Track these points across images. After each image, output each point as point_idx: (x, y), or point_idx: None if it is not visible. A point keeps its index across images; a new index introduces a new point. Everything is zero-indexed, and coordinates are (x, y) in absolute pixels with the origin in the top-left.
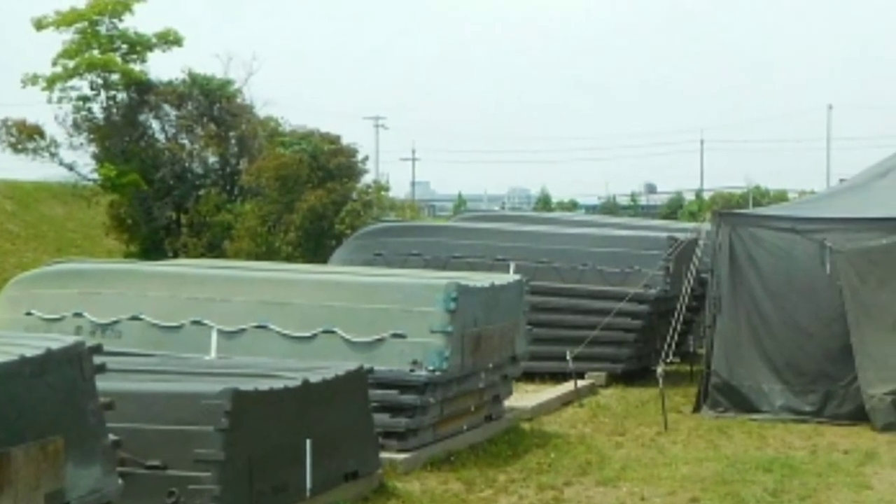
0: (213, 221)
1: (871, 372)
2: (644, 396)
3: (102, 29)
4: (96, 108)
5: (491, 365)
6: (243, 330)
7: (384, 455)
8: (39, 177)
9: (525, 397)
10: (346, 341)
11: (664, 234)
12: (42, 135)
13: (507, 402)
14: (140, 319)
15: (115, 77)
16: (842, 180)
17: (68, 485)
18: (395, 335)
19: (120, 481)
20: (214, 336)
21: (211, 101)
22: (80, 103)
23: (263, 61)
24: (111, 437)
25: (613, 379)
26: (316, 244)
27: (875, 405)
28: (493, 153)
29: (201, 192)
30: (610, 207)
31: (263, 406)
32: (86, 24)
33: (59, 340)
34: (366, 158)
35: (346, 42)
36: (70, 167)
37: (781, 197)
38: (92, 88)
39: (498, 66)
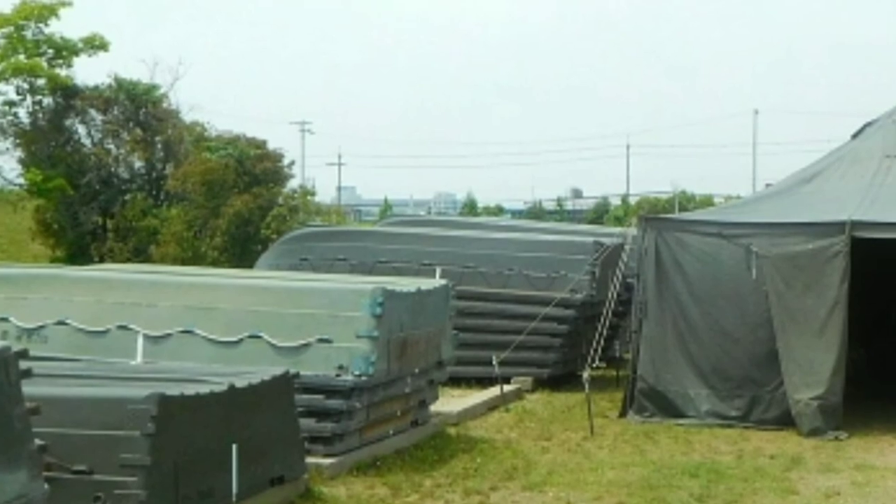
0: (139, 226)
1: (797, 377)
2: (570, 401)
3: (28, 34)
4: (22, 112)
5: (417, 370)
6: (169, 335)
7: (310, 460)
8: None
9: (451, 402)
10: (273, 346)
11: (590, 239)
12: None
13: (434, 407)
14: (66, 324)
15: (41, 82)
16: (768, 185)
17: None
18: (322, 340)
19: (46, 486)
20: (140, 341)
21: (137, 106)
22: (6, 108)
23: (189, 66)
24: (37, 442)
25: (539, 384)
26: (242, 249)
27: (801, 410)
28: (419, 158)
29: (127, 196)
30: (536, 212)
31: (189, 411)
32: (11, 28)
33: None
34: (292, 163)
35: (271, 47)
36: None
37: (707, 202)
38: (18, 93)
39: (423, 70)
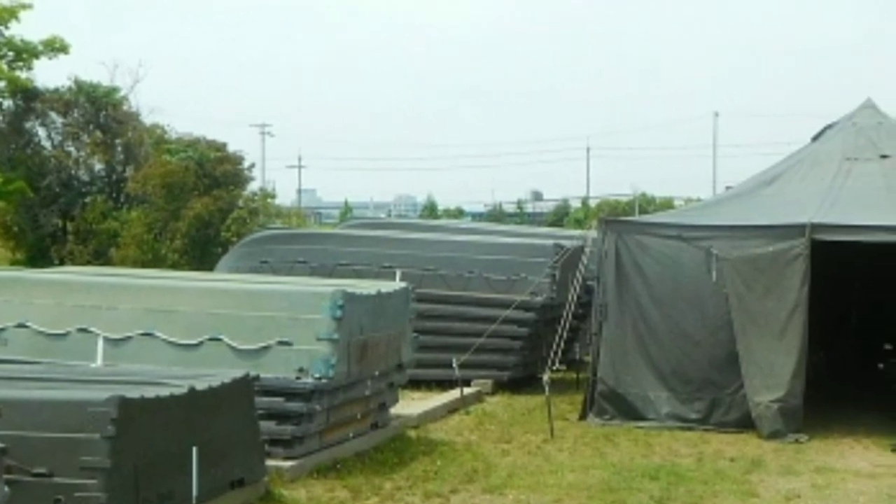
0: (99, 229)
1: (757, 379)
2: (530, 404)
3: None
4: None
5: (377, 372)
6: (129, 337)
7: (270, 462)
8: None
9: (411, 405)
10: (233, 349)
11: (550, 242)
12: None
13: (394, 410)
14: (26, 327)
15: (0, 84)
16: (728, 188)
17: None
18: (282, 343)
19: (6, 489)
20: (100, 344)
21: (97, 109)
22: None
23: (149, 68)
24: None
25: (500, 386)
26: (202, 252)
27: (761, 413)
28: (380, 160)
29: (87, 199)
30: (496, 215)
31: (149, 414)
32: None
33: None
34: (252, 166)
35: (232, 49)
36: None
37: (668, 204)
38: None
39: (384, 73)
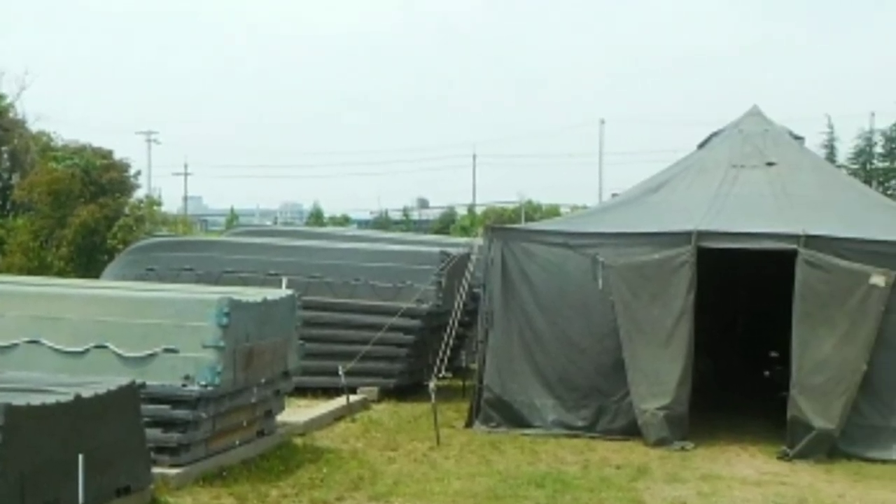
0: None
1: (643, 387)
2: (416, 411)
3: None
4: None
5: (263, 380)
6: (15, 345)
7: (156, 470)
8: None
9: (297, 412)
10: (119, 356)
11: (436, 249)
12: None
13: (280, 418)
14: None
15: None
16: (614, 195)
17: None
18: (168, 350)
19: None
20: None
21: None
22: None
23: (36, 76)
24: None
25: (386, 394)
26: (88, 259)
27: (647, 420)
28: (266, 168)
29: None
30: (382, 222)
31: (36, 421)
32: None
33: None
34: (138, 173)
35: (118, 56)
36: None
37: (554, 212)
38: None
39: (270, 80)
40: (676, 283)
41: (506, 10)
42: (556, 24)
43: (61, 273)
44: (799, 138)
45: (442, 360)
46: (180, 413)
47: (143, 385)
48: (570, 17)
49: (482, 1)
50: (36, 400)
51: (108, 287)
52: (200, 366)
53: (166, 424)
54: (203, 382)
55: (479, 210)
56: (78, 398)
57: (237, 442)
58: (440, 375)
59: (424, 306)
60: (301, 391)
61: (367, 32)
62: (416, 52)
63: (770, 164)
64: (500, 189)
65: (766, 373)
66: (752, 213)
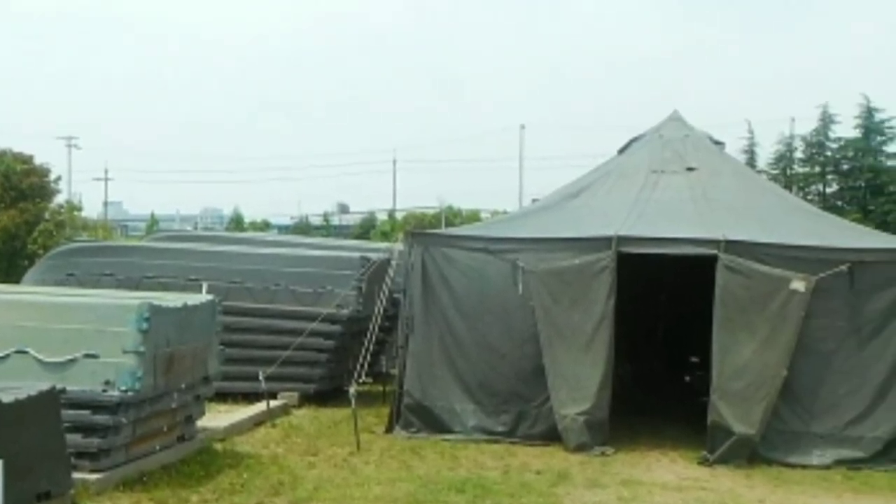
0: None
1: (563, 392)
2: (337, 416)
3: None
4: None
5: (184, 385)
6: None
7: (77, 475)
8: None
9: (218, 417)
10: (39, 361)
11: (357, 255)
12: None
13: (200, 423)
14: None
15: None
16: (534, 200)
17: None
18: (88, 355)
19: None
20: None
21: None
22: None
23: None
24: None
25: (306, 399)
26: (8, 264)
27: (567, 425)
28: (186, 173)
29: None
30: (303, 228)
31: None
32: None
33: None
34: (58, 178)
35: (38, 60)
36: None
37: (474, 217)
38: None
39: (191, 85)
40: (597, 289)
41: (427, 14)
42: (478, 29)
43: None
44: (719, 143)
45: (362, 366)
46: (101, 418)
47: (63, 390)
48: (493, 22)
49: (404, 4)
50: None
51: (28, 292)
52: (121, 371)
53: (87, 430)
54: (123, 388)
55: (399, 215)
56: None
57: (157, 447)
58: (360, 381)
59: (345, 311)
60: (222, 396)
61: (288, 36)
62: (337, 56)
63: (690, 169)
64: (420, 194)
65: (687, 378)
66: (672, 218)
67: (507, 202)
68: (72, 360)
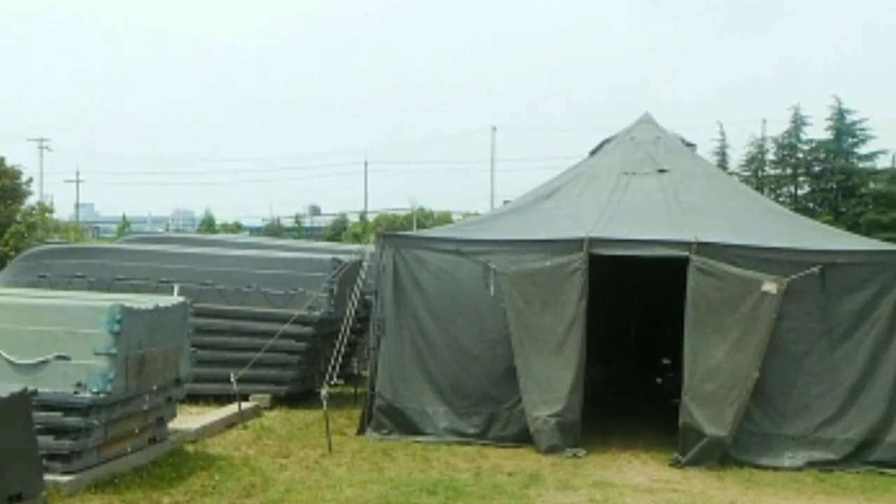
0: None
1: (535, 394)
2: (308, 419)
3: None
4: None
5: (155, 387)
6: None
7: (48, 477)
8: None
9: (189, 419)
10: (10, 363)
11: (328, 257)
12: None
13: (172, 425)
14: None
15: None
16: (506, 202)
17: None
18: (59, 357)
19: None
20: None
21: None
22: None
23: None
24: None
25: (278, 401)
26: None
27: (539, 427)
28: (158, 175)
29: None
30: (274, 229)
31: None
32: None
33: None
34: (30, 180)
35: (9, 62)
36: None
37: (446, 219)
38: None
39: (163, 87)
40: (568, 291)
41: (400, 16)
42: (450, 30)
43: None
44: (691, 145)
45: (334, 368)
46: (72, 420)
47: (34, 392)
48: (465, 25)
49: (376, 7)
50: None
51: None
52: (92, 373)
53: (58, 431)
54: (95, 389)
55: (370, 217)
56: None
57: (129, 449)
58: (332, 383)
59: (316, 313)
60: (193, 398)
61: (261, 39)
62: (308, 58)
63: (662, 171)
64: (392, 196)
65: (659, 380)
66: (643, 220)
67: (478, 204)
68: (43, 362)
